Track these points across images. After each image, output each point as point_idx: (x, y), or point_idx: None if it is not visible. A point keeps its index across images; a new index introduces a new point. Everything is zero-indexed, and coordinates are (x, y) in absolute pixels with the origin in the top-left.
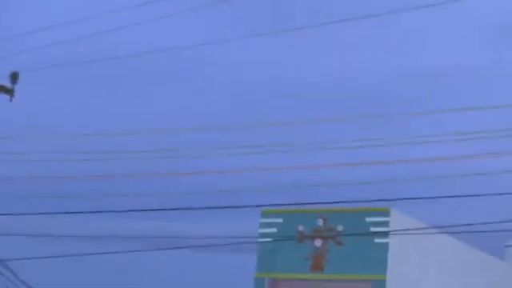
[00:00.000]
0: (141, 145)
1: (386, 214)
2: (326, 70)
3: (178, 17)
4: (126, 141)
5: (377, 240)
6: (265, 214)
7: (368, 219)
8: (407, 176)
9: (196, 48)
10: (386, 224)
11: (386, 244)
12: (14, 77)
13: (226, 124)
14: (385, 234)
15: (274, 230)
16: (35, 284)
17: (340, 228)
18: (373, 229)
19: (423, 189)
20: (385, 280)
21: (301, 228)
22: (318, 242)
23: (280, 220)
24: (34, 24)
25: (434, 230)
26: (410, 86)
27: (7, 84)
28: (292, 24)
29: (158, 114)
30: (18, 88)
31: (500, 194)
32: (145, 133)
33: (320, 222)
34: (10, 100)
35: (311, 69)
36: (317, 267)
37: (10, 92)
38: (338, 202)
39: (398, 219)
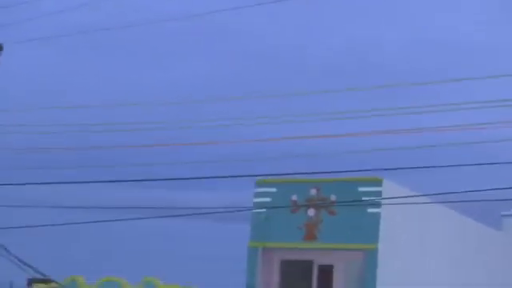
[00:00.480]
0: (150, 116)
1: (379, 183)
2: (344, 38)
3: None
4: (135, 111)
5: (369, 210)
6: (259, 184)
7: (360, 189)
8: (402, 145)
9: (212, 15)
10: (378, 194)
11: (378, 214)
12: None
13: (225, 94)
14: (377, 204)
15: (268, 199)
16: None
17: (333, 197)
18: (365, 198)
19: (421, 159)
20: (377, 249)
21: (294, 197)
22: (311, 212)
23: (274, 190)
24: None
25: (427, 200)
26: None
27: None
28: None
29: (172, 84)
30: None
31: (493, 163)
32: (153, 104)
33: (313, 191)
34: None
35: (331, 36)
36: (310, 236)
37: None
38: (330, 172)
39: (390, 189)
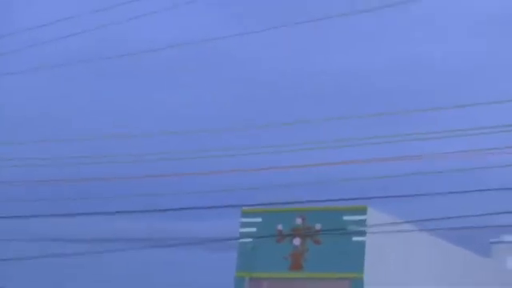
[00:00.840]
0: (140, 147)
1: (363, 212)
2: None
3: (192, 10)
4: (134, 142)
5: (354, 238)
6: (245, 214)
7: (345, 217)
8: (389, 173)
9: (214, 42)
10: (362, 222)
11: (363, 242)
12: None
13: (210, 126)
14: (362, 233)
15: (254, 229)
16: None
17: (318, 226)
18: (350, 227)
19: (410, 186)
20: (362, 278)
21: (280, 227)
22: (296, 241)
23: (259, 219)
24: (41, 19)
25: (412, 227)
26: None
27: None
28: (306, 16)
29: (168, 112)
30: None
31: (481, 190)
32: (145, 135)
33: (298, 221)
34: None
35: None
36: (296, 266)
37: None
38: (315, 201)
39: (375, 217)
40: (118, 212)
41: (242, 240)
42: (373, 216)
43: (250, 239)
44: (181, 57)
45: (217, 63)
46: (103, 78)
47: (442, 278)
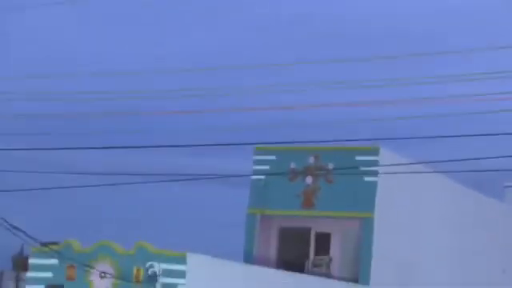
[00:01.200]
0: (160, 84)
1: (375, 152)
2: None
3: None
4: (152, 79)
5: (366, 178)
6: (258, 151)
7: (358, 157)
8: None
9: None
10: (374, 163)
11: (375, 182)
12: None
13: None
14: (374, 173)
15: (267, 167)
16: None
17: (331, 166)
18: (362, 167)
19: (424, 129)
20: (373, 217)
21: (293, 165)
22: (309, 180)
23: (273, 157)
24: None
25: (425, 169)
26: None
27: None
28: None
29: (188, 51)
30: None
31: (497, 134)
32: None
33: (311, 159)
34: None
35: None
36: (307, 204)
37: None
38: (329, 141)
39: (387, 158)
40: (133, 147)
41: (254, 177)
42: (385, 157)
43: (262, 176)
44: None
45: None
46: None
47: (453, 221)
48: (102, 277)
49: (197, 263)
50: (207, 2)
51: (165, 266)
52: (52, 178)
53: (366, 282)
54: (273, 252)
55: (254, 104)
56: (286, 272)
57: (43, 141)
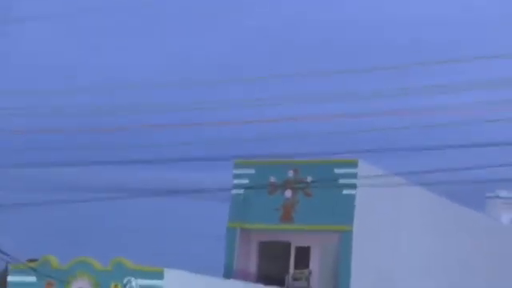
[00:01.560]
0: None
1: (354, 165)
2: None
3: None
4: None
5: (345, 191)
6: (237, 165)
7: (336, 170)
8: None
9: None
10: (353, 175)
11: (353, 195)
12: None
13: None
14: (353, 186)
15: (246, 180)
16: None
17: (309, 179)
18: (341, 180)
19: (404, 141)
20: (351, 231)
21: (272, 179)
22: (288, 193)
23: (252, 171)
24: None
25: (403, 181)
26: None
27: None
28: None
29: (172, 64)
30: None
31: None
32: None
33: (290, 173)
34: None
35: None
36: (287, 218)
37: None
38: (307, 154)
39: (365, 171)
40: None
41: (234, 191)
42: (364, 169)
43: (241, 190)
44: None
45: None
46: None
47: (433, 232)
48: None
49: (174, 278)
50: (194, 13)
51: (142, 281)
52: (30, 194)
53: None
54: (253, 266)
55: (234, 117)
56: (264, 286)
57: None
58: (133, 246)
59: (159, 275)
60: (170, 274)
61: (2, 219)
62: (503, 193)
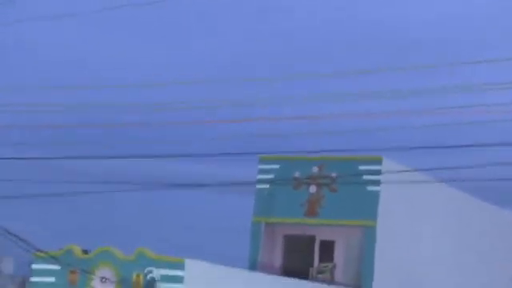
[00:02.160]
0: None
1: (378, 162)
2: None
3: None
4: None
5: (369, 187)
6: (262, 160)
7: (361, 167)
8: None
9: None
10: (377, 172)
11: (377, 191)
12: None
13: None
14: (377, 182)
15: (271, 175)
16: None
17: (334, 175)
18: (365, 177)
19: (430, 139)
20: (375, 226)
21: (297, 174)
22: (312, 188)
23: (277, 166)
24: None
25: (427, 178)
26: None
27: None
28: None
29: (193, 62)
30: None
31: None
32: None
33: (315, 169)
34: None
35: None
36: (311, 212)
37: None
38: (332, 151)
39: (390, 167)
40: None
41: (259, 186)
42: (388, 166)
43: (266, 185)
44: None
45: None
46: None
47: (456, 230)
48: (102, 282)
49: (195, 269)
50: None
51: (163, 271)
52: (54, 185)
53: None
54: (277, 259)
55: (253, 115)
56: (287, 278)
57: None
58: (159, 238)
59: (180, 266)
60: (191, 265)
61: (38, 209)
62: None
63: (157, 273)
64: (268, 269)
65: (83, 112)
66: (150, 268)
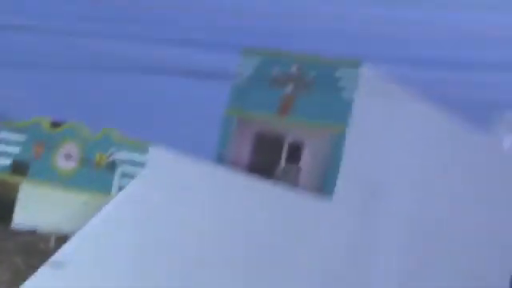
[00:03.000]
0: None
1: (356, 66)
2: None
3: None
4: None
5: (344, 93)
6: (244, 53)
7: (339, 70)
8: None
9: None
10: (354, 78)
11: (352, 98)
12: None
13: None
14: (352, 88)
15: (250, 70)
16: None
17: (311, 76)
18: (342, 82)
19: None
20: (344, 132)
21: (275, 71)
22: (288, 88)
23: (257, 61)
24: None
25: (405, 93)
26: None
27: None
28: None
29: None
30: None
31: None
32: None
33: (294, 68)
34: None
35: None
36: (284, 111)
37: None
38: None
39: (368, 74)
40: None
41: (236, 80)
42: (367, 73)
43: (243, 79)
44: None
45: None
46: None
47: (427, 151)
48: (66, 158)
49: (159, 156)
50: None
51: (126, 154)
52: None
53: (330, 193)
54: (245, 156)
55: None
56: (251, 178)
57: None
58: (129, 122)
59: (144, 150)
60: (156, 152)
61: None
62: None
63: (120, 155)
64: (234, 164)
65: None
66: (113, 149)
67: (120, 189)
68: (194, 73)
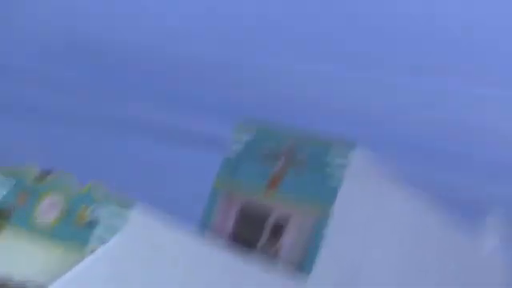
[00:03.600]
0: None
1: (350, 150)
2: None
3: None
4: None
5: (334, 175)
6: (237, 128)
7: (332, 151)
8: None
9: None
10: (345, 162)
11: (341, 179)
12: None
13: None
14: (342, 170)
15: (242, 145)
16: None
17: (303, 155)
18: (333, 163)
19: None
20: (329, 214)
21: (267, 148)
22: (279, 164)
23: (251, 137)
24: None
25: (398, 181)
26: None
27: None
28: None
29: None
30: None
31: None
32: None
33: (286, 145)
34: None
35: None
36: (272, 186)
37: None
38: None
39: (361, 158)
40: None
41: (227, 154)
42: (359, 157)
43: (235, 153)
44: None
45: None
46: None
47: (411, 244)
48: (48, 209)
49: (140, 216)
50: None
51: (109, 210)
52: None
53: (310, 271)
54: (229, 226)
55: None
56: (232, 254)
57: None
58: (120, 177)
59: (128, 207)
60: (138, 211)
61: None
62: (495, 215)
63: (102, 210)
64: (217, 232)
65: None
66: (96, 204)
67: (99, 245)
68: (187, 138)
